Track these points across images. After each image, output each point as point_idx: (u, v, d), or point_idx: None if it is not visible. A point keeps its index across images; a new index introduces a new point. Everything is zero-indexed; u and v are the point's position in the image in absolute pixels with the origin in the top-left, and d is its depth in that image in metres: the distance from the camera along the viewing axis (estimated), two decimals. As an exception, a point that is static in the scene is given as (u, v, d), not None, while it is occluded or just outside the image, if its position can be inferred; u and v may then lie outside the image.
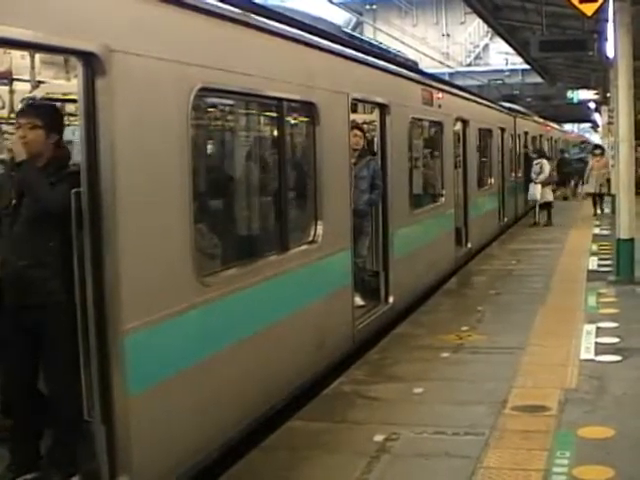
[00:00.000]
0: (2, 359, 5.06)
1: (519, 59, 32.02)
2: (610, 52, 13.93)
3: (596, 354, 7.99)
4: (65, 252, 4.61)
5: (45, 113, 5.07)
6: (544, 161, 20.56)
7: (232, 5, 5.93)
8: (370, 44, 16.50)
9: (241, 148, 7.94)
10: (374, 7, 48.20)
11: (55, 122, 5.05)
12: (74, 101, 5.61)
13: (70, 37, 4.21)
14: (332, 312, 7.79)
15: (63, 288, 4.70)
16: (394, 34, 31.09)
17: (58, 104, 6.71)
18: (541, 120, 31.88)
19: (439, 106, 12.55)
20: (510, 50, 29.25)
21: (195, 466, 5.32)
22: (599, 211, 22.91)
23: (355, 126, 9.50)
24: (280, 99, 6.92)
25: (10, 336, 4.90)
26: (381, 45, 19.34)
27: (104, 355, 4.48)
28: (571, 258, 14.69)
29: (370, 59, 9.50)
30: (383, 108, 9.64)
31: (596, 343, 8.38)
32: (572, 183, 30.50)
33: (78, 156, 4.72)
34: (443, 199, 12.96)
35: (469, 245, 14.90)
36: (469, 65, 47.81)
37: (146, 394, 4.74)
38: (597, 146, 26.60)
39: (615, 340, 8.49)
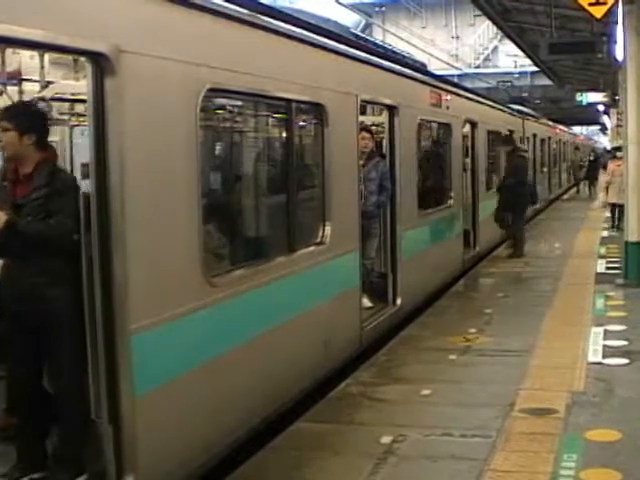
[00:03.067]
0: (6, 359, 5.08)
1: (528, 61, 32.03)
2: (619, 54, 13.92)
3: (604, 357, 7.98)
4: (69, 258, 4.61)
5: (14, 115, 4.92)
6: None
7: (240, 6, 5.93)
8: (379, 45, 16.50)
9: (249, 149, 7.95)
10: (383, 9, 48.23)
11: (29, 123, 4.87)
12: (83, 101, 5.61)
13: (80, 37, 4.22)
14: (340, 313, 7.78)
15: (66, 294, 4.70)
16: (403, 36, 31.07)
17: (43, 105, 6.59)
18: (550, 122, 31.81)
19: (447, 108, 12.54)
20: (519, 52, 29.25)
21: (202, 466, 5.33)
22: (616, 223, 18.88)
23: (364, 128, 9.51)
24: (289, 100, 6.93)
25: (13, 336, 4.91)
26: (390, 47, 19.31)
27: (111, 355, 4.49)
28: (579, 261, 14.65)
29: (379, 61, 9.50)
30: (392, 110, 9.64)
31: (604, 346, 8.38)
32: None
33: (84, 157, 4.74)
34: (451, 201, 12.95)
35: (477, 248, 14.87)
36: (478, 67, 47.78)
37: (153, 394, 4.75)
38: (618, 148, 21.67)
39: (623, 343, 8.48)
